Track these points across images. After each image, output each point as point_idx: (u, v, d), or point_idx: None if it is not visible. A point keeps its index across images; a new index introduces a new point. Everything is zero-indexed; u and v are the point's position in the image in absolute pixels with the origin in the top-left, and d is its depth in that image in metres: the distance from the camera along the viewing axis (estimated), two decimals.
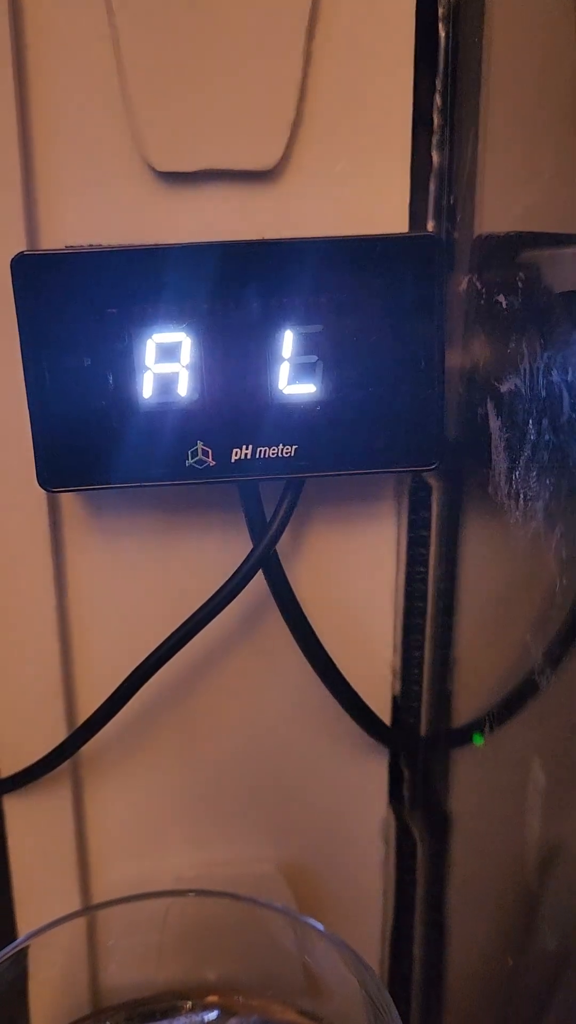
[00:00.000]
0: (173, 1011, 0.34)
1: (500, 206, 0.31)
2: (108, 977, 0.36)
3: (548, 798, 0.29)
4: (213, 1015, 0.33)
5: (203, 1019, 0.34)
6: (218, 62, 0.31)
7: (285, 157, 0.32)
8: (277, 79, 0.31)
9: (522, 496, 0.28)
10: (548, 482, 0.26)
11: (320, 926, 0.32)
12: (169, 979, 0.36)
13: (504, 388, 0.29)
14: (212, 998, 0.34)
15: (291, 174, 0.33)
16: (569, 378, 0.25)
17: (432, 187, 0.34)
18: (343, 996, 0.32)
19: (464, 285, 0.32)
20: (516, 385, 0.28)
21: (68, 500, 0.35)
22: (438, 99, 0.33)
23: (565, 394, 0.25)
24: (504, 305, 0.29)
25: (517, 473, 0.28)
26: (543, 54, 0.28)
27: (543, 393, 0.26)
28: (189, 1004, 0.34)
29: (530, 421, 0.27)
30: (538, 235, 0.28)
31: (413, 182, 0.33)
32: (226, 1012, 0.33)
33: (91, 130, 0.32)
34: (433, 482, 0.36)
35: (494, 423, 0.30)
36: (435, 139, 0.34)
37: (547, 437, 0.26)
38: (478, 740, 0.37)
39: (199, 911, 0.35)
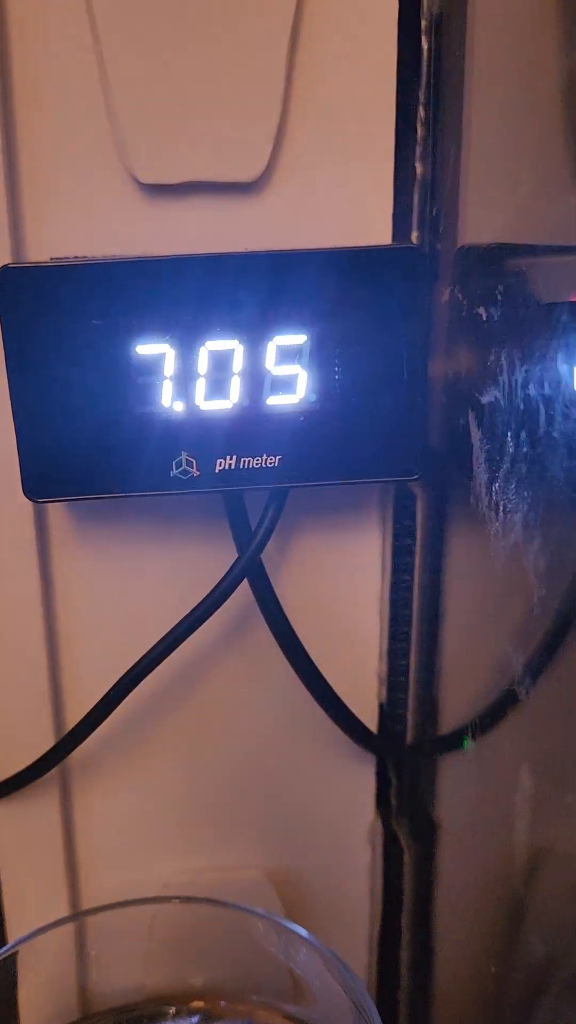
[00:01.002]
0: (158, 1017, 0.34)
1: (483, 217, 0.31)
2: (96, 983, 0.36)
3: (534, 805, 0.30)
4: (194, 1021, 0.34)
5: None
6: (202, 75, 0.31)
7: (269, 169, 0.32)
8: (261, 91, 0.31)
9: (502, 508, 0.28)
10: (526, 494, 0.27)
11: (305, 932, 0.33)
12: (156, 985, 0.36)
13: (485, 400, 0.29)
14: (197, 1004, 0.34)
15: (275, 186, 0.33)
16: (546, 391, 0.25)
17: (416, 198, 0.34)
18: (328, 1002, 0.32)
19: (447, 296, 0.32)
20: (496, 397, 0.28)
21: (54, 510, 0.35)
22: (421, 110, 0.34)
23: (542, 407, 0.25)
24: (484, 317, 0.29)
25: (497, 485, 0.28)
26: (525, 65, 0.28)
27: (521, 406, 0.26)
28: (173, 1010, 0.34)
29: (509, 433, 0.27)
30: (519, 246, 0.29)
31: (397, 193, 0.33)
32: (209, 1017, 0.34)
33: (75, 142, 0.32)
34: (417, 491, 0.36)
35: (475, 434, 0.30)
36: (419, 150, 0.34)
37: (525, 449, 0.26)
38: (466, 744, 0.37)
39: (185, 917, 0.35)
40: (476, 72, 0.31)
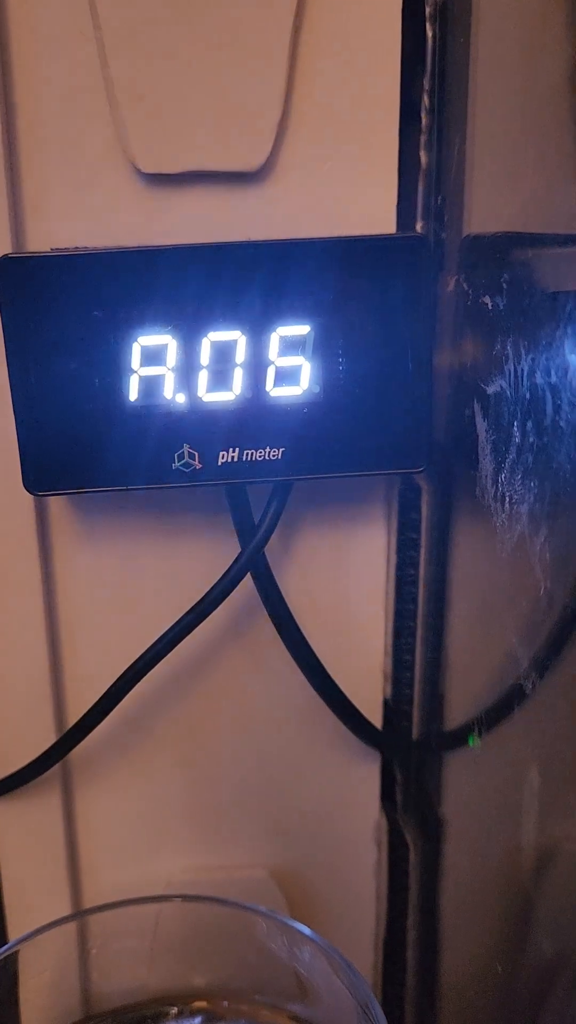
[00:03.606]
0: (160, 1017, 0.34)
1: (488, 206, 0.31)
2: (98, 982, 0.36)
3: (541, 801, 0.29)
4: (197, 1021, 0.33)
5: None
6: (204, 63, 0.31)
7: (271, 158, 0.32)
8: (263, 80, 0.31)
9: (508, 499, 0.28)
10: (532, 485, 0.26)
11: (308, 931, 0.32)
12: (159, 984, 0.36)
13: (490, 390, 0.29)
14: (200, 1004, 0.34)
15: (278, 175, 0.33)
16: (553, 380, 0.25)
17: (420, 187, 0.34)
18: (332, 1001, 0.32)
19: (452, 286, 0.32)
20: (502, 387, 0.28)
21: (55, 503, 0.35)
22: (426, 99, 0.33)
23: (549, 396, 0.25)
24: (490, 306, 0.28)
25: (503, 476, 0.28)
26: (530, 53, 0.28)
27: (527, 395, 0.26)
28: (175, 1010, 0.34)
29: (515, 423, 0.27)
30: (524, 235, 0.28)
31: (401, 182, 0.33)
32: (212, 1018, 0.33)
33: (76, 131, 0.32)
34: (423, 484, 0.36)
35: (480, 425, 0.30)
36: (423, 139, 0.34)
37: (531, 439, 0.26)
38: (472, 741, 0.37)
39: (189, 916, 0.35)
40: (481, 60, 0.31)
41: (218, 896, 0.34)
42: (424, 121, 0.33)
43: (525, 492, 0.26)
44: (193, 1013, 0.34)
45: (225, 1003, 0.34)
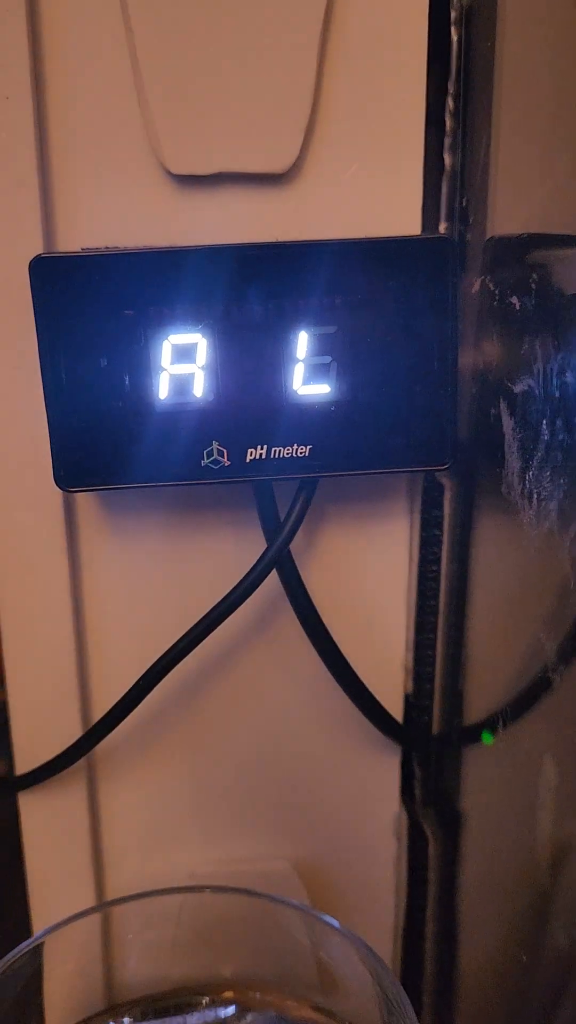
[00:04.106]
0: (189, 1006, 0.34)
1: (513, 208, 0.31)
2: (123, 973, 0.36)
3: (560, 795, 0.30)
4: (230, 1011, 0.34)
5: (219, 1015, 0.34)
6: (233, 66, 0.31)
7: (299, 160, 0.32)
8: (291, 83, 0.31)
9: (535, 496, 0.28)
10: (562, 482, 0.27)
11: (335, 922, 0.33)
12: (183, 975, 0.36)
13: (517, 389, 0.29)
14: (228, 994, 0.34)
15: (305, 177, 0.33)
16: None
17: (444, 189, 0.34)
18: (357, 991, 0.32)
19: (477, 287, 0.32)
20: (529, 386, 0.28)
21: (83, 500, 0.36)
22: (450, 102, 0.34)
23: None
24: (518, 306, 0.29)
25: (530, 473, 0.28)
26: (555, 56, 0.29)
27: (557, 394, 0.26)
28: (206, 1000, 0.34)
29: (544, 421, 0.27)
30: (551, 236, 0.29)
31: (426, 184, 0.33)
32: (242, 1008, 0.34)
33: (107, 133, 0.32)
34: (446, 481, 0.36)
35: (507, 423, 0.30)
36: (448, 141, 0.34)
37: (561, 437, 0.26)
38: (487, 739, 0.37)
39: (213, 907, 0.35)
40: (506, 63, 0.31)
41: (243, 887, 0.34)
42: (449, 124, 0.34)
43: (554, 489, 0.27)
44: (225, 1003, 0.34)
45: (255, 994, 0.34)
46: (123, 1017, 0.35)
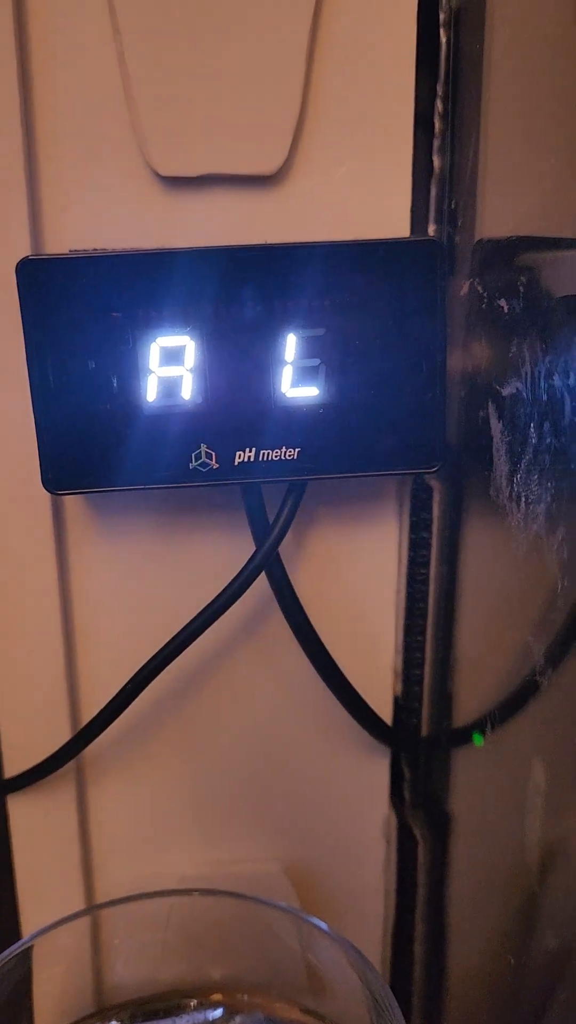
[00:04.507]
0: (178, 1009, 0.34)
1: (501, 210, 0.31)
2: (112, 976, 0.36)
3: (549, 798, 0.30)
4: (218, 1013, 0.34)
5: (207, 1017, 0.34)
6: (222, 68, 0.31)
7: (288, 162, 0.32)
8: (280, 85, 0.31)
9: (523, 499, 0.28)
10: (550, 485, 0.27)
11: (324, 925, 0.33)
12: (173, 978, 0.36)
13: (506, 391, 0.29)
14: (216, 996, 0.34)
15: (293, 179, 0.33)
16: (571, 382, 0.25)
17: (433, 191, 0.34)
18: (345, 994, 0.32)
19: (465, 289, 0.32)
20: (518, 388, 0.28)
21: (71, 503, 0.35)
22: (439, 104, 0.34)
23: (567, 397, 0.25)
24: (506, 309, 0.29)
25: (518, 476, 0.28)
26: (544, 59, 0.29)
27: (544, 396, 0.26)
28: (194, 1002, 0.34)
29: (531, 424, 0.27)
30: (539, 239, 0.29)
31: (414, 186, 0.34)
32: (230, 1010, 0.34)
33: (95, 135, 0.32)
34: (435, 484, 0.36)
35: (495, 426, 0.30)
36: (436, 144, 0.34)
37: (548, 440, 0.26)
38: (478, 741, 0.37)
39: (202, 910, 0.35)
40: (495, 65, 0.31)
41: (232, 890, 0.34)
42: (437, 126, 0.34)
43: (542, 492, 0.27)
44: (213, 1005, 0.34)
45: (244, 996, 0.34)
46: (111, 1020, 0.35)
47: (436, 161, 0.34)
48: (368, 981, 0.31)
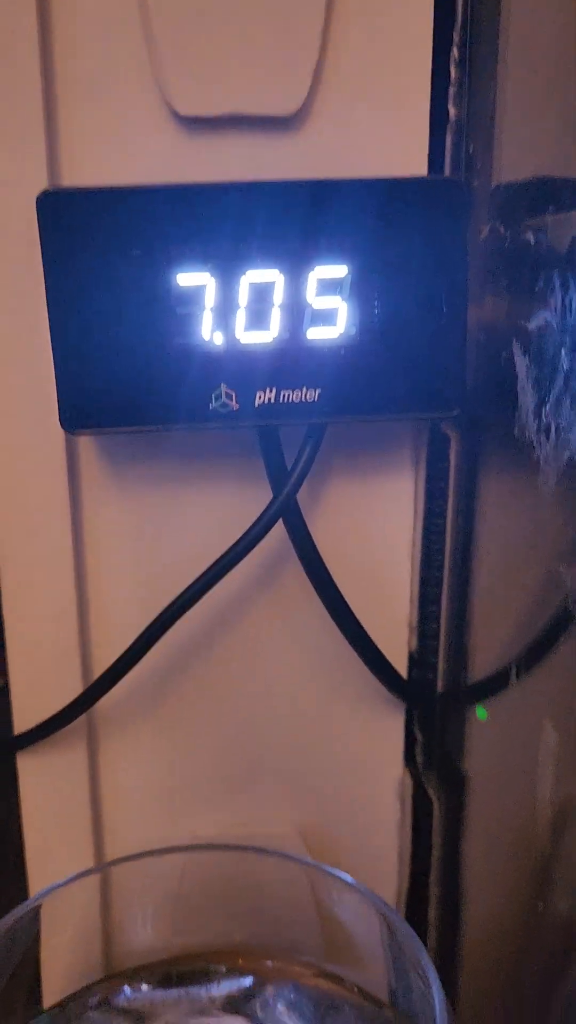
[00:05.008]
0: (208, 974, 0.33)
1: (520, 153, 0.31)
2: (123, 937, 0.35)
3: (563, 757, 0.29)
4: (247, 981, 0.33)
5: (241, 985, 0.33)
6: (242, 7, 0.31)
7: (307, 104, 0.32)
8: (300, 25, 0.31)
9: (554, 428, 0.28)
10: None
11: (350, 878, 0.32)
12: (187, 938, 0.35)
13: (532, 325, 0.29)
14: (242, 962, 0.34)
15: (312, 122, 0.33)
16: None
17: (450, 137, 0.34)
18: (369, 948, 0.32)
19: (485, 232, 0.32)
20: (546, 320, 0.28)
21: (86, 450, 0.35)
22: (455, 51, 0.34)
23: None
24: (532, 241, 0.29)
25: (547, 408, 0.28)
26: (561, 4, 0.29)
27: None
28: (224, 968, 0.33)
29: (563, 350, 0.27)
30: (562, 180, 0.29)
31: (432, 132, 0.33)
32: (259, 979, 0.33)
33: (114, 74, 0.32)
34: (451, 433, 0.36)
35: (520, 363, 0.30)
36: (452, 91, 0.34)
37: None
38: (481, 715, 0.37)
39: (218, 867, 0.34)
40: (512, 12, 0.31)
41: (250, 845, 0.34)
42: (454, 73, 0.34)
43: (574, 417, 0.27)
44: (241, 973, 0.33)
45: (268, 963, 0.33)
46: (141, 984, 0.34)
47: (452, 108, 0.34)
48: (394, 930, 0.30)
